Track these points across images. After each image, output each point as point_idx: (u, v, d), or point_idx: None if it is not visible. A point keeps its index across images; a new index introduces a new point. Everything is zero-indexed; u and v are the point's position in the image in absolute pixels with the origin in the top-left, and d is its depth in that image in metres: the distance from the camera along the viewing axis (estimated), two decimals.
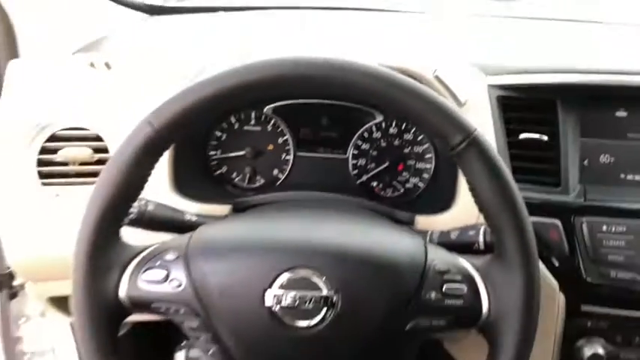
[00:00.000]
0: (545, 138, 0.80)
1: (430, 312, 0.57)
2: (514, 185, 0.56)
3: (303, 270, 0.56)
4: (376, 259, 0.57)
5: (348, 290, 0.55)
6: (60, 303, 0.93)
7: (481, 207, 0.57)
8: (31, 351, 1.40)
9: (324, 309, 0.55)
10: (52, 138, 0.84)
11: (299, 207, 0.73)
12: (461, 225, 0.70)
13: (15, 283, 1.29)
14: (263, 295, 0.55)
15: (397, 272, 0.57)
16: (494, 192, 0.55)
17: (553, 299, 0.78)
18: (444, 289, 0.57)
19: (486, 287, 0.57)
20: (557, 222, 0.77)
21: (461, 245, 0.67)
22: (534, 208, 0.77)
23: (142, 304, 0.59)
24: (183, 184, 0.82)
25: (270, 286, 0.55)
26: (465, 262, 0.59)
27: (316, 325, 0.55)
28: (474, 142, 0.55)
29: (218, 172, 0.95)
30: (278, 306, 0.55)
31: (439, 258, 0.59)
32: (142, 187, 0.59)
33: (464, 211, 0.75)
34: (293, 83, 0.55)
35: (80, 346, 0.58)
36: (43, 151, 0.83)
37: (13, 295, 1.32)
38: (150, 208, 0.70)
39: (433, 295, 0.57)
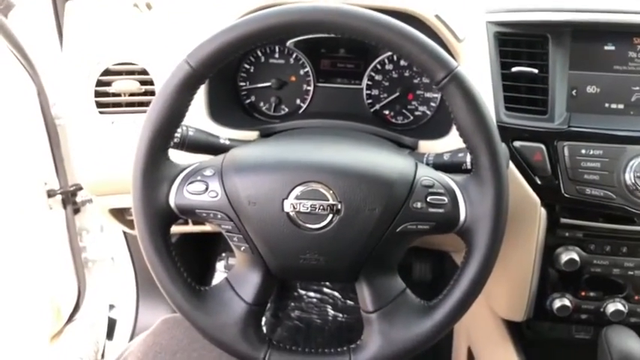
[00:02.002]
0: (536, 71, 0.89)
1: (416, 218, 0.69)
2: (489, 114, 0.66)
3: (314, 183, 0.69)
4: (373, 174, 0.69)
5: (349, 200, 0.68)
6: (119, 214, 1.10)
7: (461, 132, 0.68)
8: (93, 259, 1.61)
9: (331, 215, 0.68)
10: (106, 72, 0.97)
11: (316, 132, 0.85)
12: (454, 148, 0.82)
13: (77, 199, 1.48)
14: (282, 204, 0.69)
15: (390, 185, 0.69)
16: (471, 119, 0.66)
17: (535, 213, 0.90)
18: (428, 199, 0.69)
19: (464, 198, 0.70)
20: (542, 146, 0.88)
21: (451, 165, 0.80)
22: (523, 133, 0.89)
23: (187, 211, 0.73)
24: (217, 112, 0.96)
25: (287, 197, 0.69)
26: (447, 178, 0.71)
27: (324, 227, 0.69)
28: (455, 78, 0.65)
29: (247, 101, 1.08)
30: (294, 212, 0.69)
31: (426, 175, 0.71)
32: (183, 115, 0.72)
33: (458, 136, 0.86)
34: (302, 27, 0.66)
35: (140, 242, 0.73)
36: (99, 83, 0.97)
37: (76, 211, 1.51)
38: (190, 133, 0.84)
39: (419, 204, 0.69)
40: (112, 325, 1.67)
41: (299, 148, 0.75)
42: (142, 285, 1.58)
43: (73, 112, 0.97)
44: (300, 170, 0.70)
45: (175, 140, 0.82)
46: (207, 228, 1.10)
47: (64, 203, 1.43)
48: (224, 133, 0.89)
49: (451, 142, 0.88)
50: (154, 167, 0.71)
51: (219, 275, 1.63)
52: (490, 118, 0.67)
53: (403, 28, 0.65)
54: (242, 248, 0.72)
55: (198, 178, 0.73)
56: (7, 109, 1.26)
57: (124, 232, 1.48)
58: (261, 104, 1.08)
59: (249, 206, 0.70)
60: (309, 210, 0.68)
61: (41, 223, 1.36)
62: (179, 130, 0.82)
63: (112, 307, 1.70)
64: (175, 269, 0.72)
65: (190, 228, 1.11)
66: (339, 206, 0.68)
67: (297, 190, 0.69)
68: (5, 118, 1.25)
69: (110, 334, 1.63)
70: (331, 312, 1.61)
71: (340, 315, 1.60)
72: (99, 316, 1.64)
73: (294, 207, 0.69)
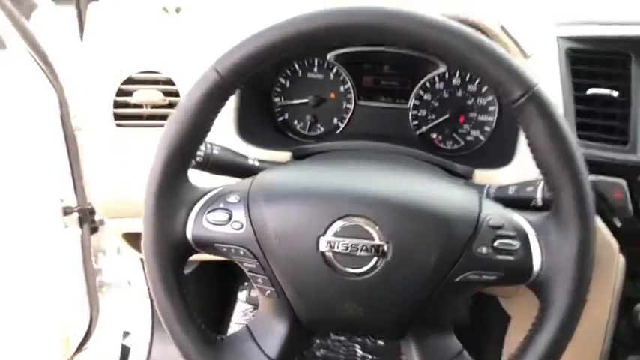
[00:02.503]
0: (615, 94, 0.77)
1: (480, 266, 0.57)
2: (574, 143, 0.54)
3: (356, 218, 0.57)
4: (429, 211, 0.58)
5: (399, 240, 0.57)
6: (133, 239, 1.00)
7: (539, 163, 0.56)
8: (108, 282, 1.51)
9: (375, 257, 0.57)
10: (128, 81, 0.88)
11: (356, 156, 0.74)
12: (519, 180, 0.70)
13: (96, 218, 1.39)
14: (317, 241, 0.58)
15: (449, 225, 0.57)
16: (553, 149, 0.54)
17: (612, 260, 0.77)
18: (495, 244, 0.57)
19: (539, 244, 0.57)
20: (622, 182, 0.75)
21: (518, 201, 0.67)
22: (599, 166, 0.76)
23: (205, 244, 0.63)
24: (247, 129, 0.85)
25: (324, 233, 0.58)
26: (519, 218, 0.59)
27: (366, 272, 0.57)
28: (534, 97, 0.54)
29: (280, 119, 0.98)
30: (331, 252, 0.58)
31: (493, 213, 0.59)
32: (207, 131, 0.62)
33: (523, 166, 0.74)
34: (354, 31, 0.55)
35: (148, 280, 0.62)
36: (120, 93, 0.88)
37: (93, 230, 1.42)
38: (215, 151, 0.74)
39: (484, 249, 0.57)
40: (125, 353, 1.57)
41: (339, 175, 0.64)
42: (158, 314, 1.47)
43: (90, 122, 0.88)
44: (340, 201, 0.59)
45: (197, 159, 0.72)
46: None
47: (81, 222, 1.34)
48: (253, 153, 0.79)
49: (514, 172, 0.76)
50: (171, 190, 0.61)
51: (240, 307, 1.52)
52: (575, 147, 0.55)
53: (473, 35, 0.54)
54: (267, 292, 0.61)
55: (221, 205, 0.62)
56: (26, 118, 1.18)
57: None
58: (295, 122, 0.98)
59: (278, 242, 0.59)
60: (349, 250, 0.57)
61: (55, 242, 1.27)
62: (202, 147, 0.71)
63: (126, 334, 1.60)
64: (187, 314, 0.61)
65: (209, 256, 1.00)
66: (386, 247, 0.57)
67: (336, 226, 0.58)
68: (23, 128, 1.18)
69: None
70: (360, 352, 1.47)
71: (370, 356, 1.47)
72: (111, 344, 1.54)
73: (331, 246, 0.57)
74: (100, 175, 0.88)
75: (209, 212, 0.62)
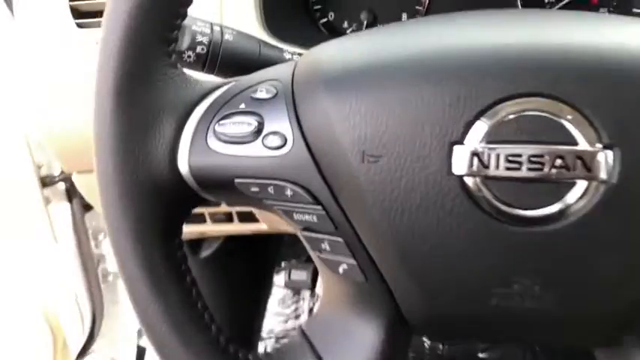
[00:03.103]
0: None
1: None
2: None
3: (534, 101, 0.27)
4: None
5: (635, 144, 0.26)
6: None
7: None
8: (114, 270, 1.25)
9: (583, 182, 0.26)
10: None
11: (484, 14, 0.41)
12: None
13: None
14: (449, 155, 0.27)
15: None
16: None
17: None
18: None
19: None
20: None
21: None
22: None
23: (217, 181, 0.33)
24: (275, 18, 0.55)
25: (462, 138, 0.27)
26: None
27: (562, 215, 0.27)
28: None
29: (323, 20, 0.66)
30: (480, 177, 0.27)
31: None
32: None
33: None
34: None
35: (116, 262, 0.33)
36: None
37: (87, 207, 1.14)
38: (228, 37, 0.43)
39: None
40: (141, 354, 1.32)
41: (472, 31, 0.32)
42: None
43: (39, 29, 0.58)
44: (496, 71, 0.28)
45: (197, 50, 0.42)
46: (255, 226, 0.70)
47: (69, 195, 1.06)
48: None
49: None
50: (142, 88, 0.31)
51: (277, 294, 1.22)
52: None
53: None
54: (341, 268, 0.31)
55: (242, 106, 0.33)
56: None
57: None
58: (345, 24, 0.66)
59: (366, 167, 0.29)
60: (521, 169, 0.27)
61: (32, 223, 1.00)
62: (204, 30, 0.42)
63: (141, 332, 1.35)
64: (193, 317, 0.33)
65: (213, 228, 0.73)
66: (606, 160, 0.26)
67: (490, 121, 0.27)
68: None
69: None
70: None
71: None
72: (123, 345, 1.29)
73: (481, 162, 0.27)
74: (53, 98, 0.58)
75: (220, 122, 0.32)
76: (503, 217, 0.27)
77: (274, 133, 0.31)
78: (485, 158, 0.27)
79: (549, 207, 0.27)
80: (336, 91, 0.29)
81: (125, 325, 1.31)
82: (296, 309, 1.23)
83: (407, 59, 0.29)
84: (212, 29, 0.43)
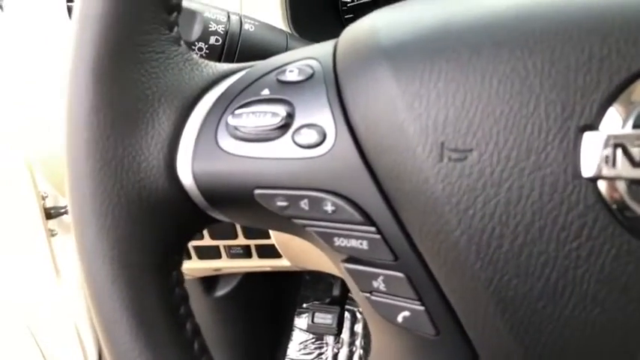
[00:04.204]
0: None
1: None
2: None
3: None
4: None
5: None
6: None
7: None
8: None
9: None
10: None
11: None
12: None
13: None
14: (577, 145, 0.18)
15: None
16: None
17: None
18: None
19: None
20: None
21: None
22: None
23: (229, 194, 0.25)
24: (303, 16, 0.47)
25: (596, 120, 0.18)
26: None
27: None
28: None
29: (348, 15, 0.58)
30: (623, 181, 0.18)
31: None
32: None
33: None
34: None
35: (94, 313, 0.25)
36: None
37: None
38: (249, 27, 0.35)
39: None
40: None
41: None
42: None
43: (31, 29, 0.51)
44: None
45: (211, 41, 0.34)
46: (276, 262, 0.63)
47: None
48: None
49: None
50: (133, 61, 0.23)
51: (298, 338, 1.12)
52: None
53: None
54: (401, 316, 0.22)
55: (264, 94, 0.24)
56: None
57: None
58: None
59: (445, 166, 0.20)
60: None
61: (35, 257, 0.92)
62: (219, 18, 0.34)
63: None
64: None
65: (228, 264, 0.65)
66: None
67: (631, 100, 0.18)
68: None
69: None
70: None
71: None
72: None
73: (631, 158, 0.18)
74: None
75: (235, 112, 0.23)
76: None
77: (309, 125, 0.22)
78: (632, 152, 0.18)
79: None
80: (402, 63, 0.21)
81: None
82: (319, 355, 1.13)
83: (505, 14, 0.20)
84: (229, 18, 0.35)
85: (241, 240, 0.61)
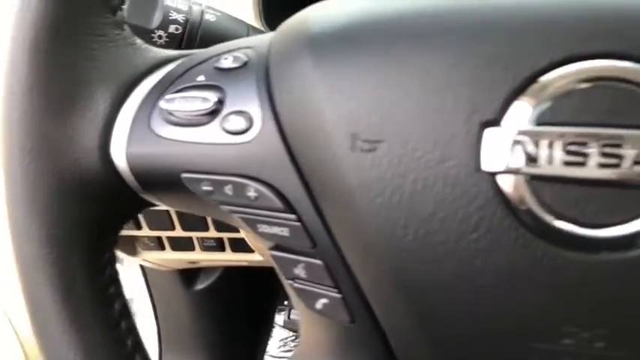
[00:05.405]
0: None
1: None
2: None
3: (607, 65, 0.18)
4: None
5: None
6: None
7: None
8: None
9: None
10: None
11: None
12: None
13: None
14: (479, 140, 0.19)
15: None
16: None
17: None
18: None
19: None
20: None
21: None
22: None
23: (159, 177, 0.25)
24: (275, 13, 0.47)
25: (499, 116, 0.19)
26: None
27: None
28: None
29: None
30: (522, 176, 0.19)
31: None
32: None
33: None
34: None
35: (23, 293, 0.25)
36: None
37: None
38: (209, 17, 0.36)
39: None
40: None
41: None
42: (166, 338, 1.11)
43: None
44: (560, 25, 0.19)
45: (170, 29, 0.34)
46: (249, 257, 0.62)
47: None
48: None
49: None
50: (72, 43, 0.24)
51: (278, 335, 1.12)
52: None
53: None
54: (320, 302, 0.22)
55: (199, 80, 0.24)
56: None
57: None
58: None
59: (357, 156, 0.20)
60: (591, 172, 0.18)
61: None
62: (177, 5, 0.35)
63: None
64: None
65: (202, 256, 0.66)
66: None
67: (547, 91, 0.18)
68: None
69: None
70: None
71: None
72: None
73: (529, 154, 0.18)
74: None
75: (170, 96, 0.24)
76: (556, 238, 0.18)
77: (238, 112, 0.23)
78: (532, 148, 0.18)
79: (628, 224, 0.18)
80: (323, 54, 0.21)
81: None
82: None
83: (423, 10, 0.21)
84: (191, 7, 0.36)
85: (213, 232, 0.62)
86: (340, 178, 0.20)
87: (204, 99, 0.23)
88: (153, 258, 0.71)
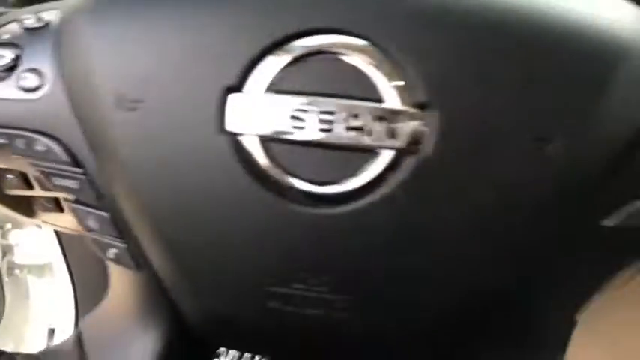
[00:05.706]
0: None
1: None
2: None
3: (330, 40, 0.20)
4: (517, 28, 0.20)
5: (458, 101, 0.19)
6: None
7: None
8: (23, 264, 1.16)
9: (390, 155, 0.20)
10: None
11: None
12: None
13: None
14: (223, 103, 0.21)
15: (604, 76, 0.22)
16: None
17: None
18: None
19: None
20: None
21: None
22: None
23: None
24: None
25: (241, 82, 0.21)
26: None
27: (360, 193, 0.20)
28: None
29: None
30: (257, 137, 0.21)
31: None
32: None
33: None
34: None
35: None
36: None
37: None
38: None
39: None
40: None
41: None
42: (82, 301, 1.12)
43: None
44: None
45: None
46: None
47: None
48: None
49: None
50: None
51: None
52: None
53: None
54: (111, 251, 0.24)
55: (4, 38, 0.25)
56: None
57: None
58: None
59: (122, 114, 0.22)
60: (310, 134, 0.20)
61: None
62: None
63: (52, 331, 1.26)
64: None
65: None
66: (425, 126, 0.19)
67: (274, 62, 0.21)
68: None
69: None
70: None
71: None
72: (31, 343, 1.20)
73: (263, 118, 0.20)
74: None
75: None
76: (284, 193, 0.21)
77: (32, 70, 0.24)
78: (266, 112, 0.20)
79: (341, 183, 0.20)
80: (101, 17, 0.23)
81: (34, 322, 1.22)
82: None
83: None
84: None
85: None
86: (109, 136, 0.22)
87: (1, 56, 0.24)
88: (52, 220, 0.70)
